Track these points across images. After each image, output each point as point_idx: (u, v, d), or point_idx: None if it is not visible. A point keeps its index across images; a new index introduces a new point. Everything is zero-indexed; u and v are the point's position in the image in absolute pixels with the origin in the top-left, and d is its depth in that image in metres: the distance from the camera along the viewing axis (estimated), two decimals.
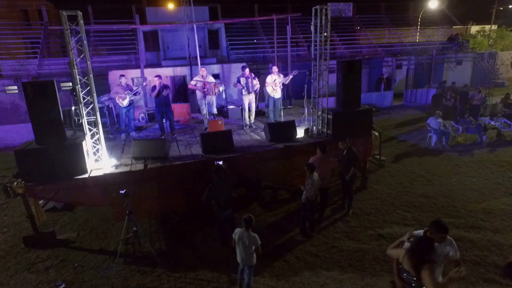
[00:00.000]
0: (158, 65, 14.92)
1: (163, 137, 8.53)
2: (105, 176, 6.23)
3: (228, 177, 5.87)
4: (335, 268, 5.40)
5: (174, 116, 9.18)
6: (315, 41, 7.69)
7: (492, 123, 11.64)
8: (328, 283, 5.07)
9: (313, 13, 7.41)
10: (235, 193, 7.33)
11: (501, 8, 29.90)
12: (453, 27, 26.01)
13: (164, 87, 8.53)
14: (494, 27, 28.39)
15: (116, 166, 6.49)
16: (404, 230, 6.29)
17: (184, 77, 13.91)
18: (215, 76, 12.97)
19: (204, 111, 9.10)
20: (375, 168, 9.35)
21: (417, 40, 22.86)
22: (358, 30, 22.01)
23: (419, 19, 23.97)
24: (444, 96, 14.13)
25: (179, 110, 10.16)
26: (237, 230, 4.60)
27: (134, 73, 13.27)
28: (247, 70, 8.91)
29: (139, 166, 6.53)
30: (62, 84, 13.80)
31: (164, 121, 8.89)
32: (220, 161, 6.46)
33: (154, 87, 8.47)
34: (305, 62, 16.17)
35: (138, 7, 17.30)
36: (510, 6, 30.30)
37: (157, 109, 8.70)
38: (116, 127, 9.53)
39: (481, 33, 27.32)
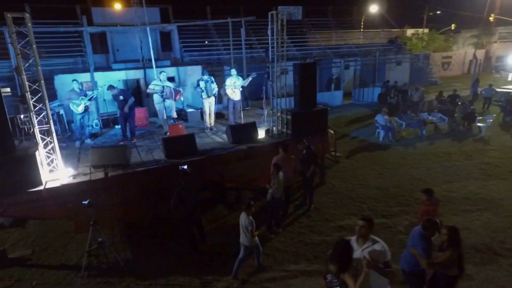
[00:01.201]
0: (108, 68, 14.26)
1: (121, 142, 8.26)
2: (63, 187, 5.92)
3: (194, 180, 5.91)
4: (302, 261, 5.69)
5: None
6: (272, 45, 7.98)
7: (430, 118, 12.90)
8: (297, 276, 5.34)
9: (269, 18, 7.68)
10: (200, 196, 7.34)
11: (431, 14, 33.10)
12: (392, 30, 28.21)
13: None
14: (426, 30, 31.29)
15: (74, 176, 6.19)
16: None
17: (137, 81, 13.45)
18: (170, 79, 12.72)
19: (163, 115, 8.96)
20: (331, 164, 9.90)
21: (362, 42, 24.45)
22: (307, 32, 22.95)
23: (362, 22, 25.66)
24: (389, 94, 15.32)
25: (137, 115, 9.81)
26: (242, 214, 5.15)
27: (83, 77, 12.55)
28: (206, 74, 8.95)
29: (99, 174, 6.30)
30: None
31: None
32: (184, 165, 6.46)
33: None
34: (260, 64, 16.54)
35: (83, 7, 16.35)
36: (438, 12, 33.73)
37: (121, 114, 8.42)
38: (68, 135, 9.01)
39: (416, 35, 29.96)
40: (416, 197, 7.67)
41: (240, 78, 9.37)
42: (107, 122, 10.43)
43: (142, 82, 13.24)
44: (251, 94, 13.73)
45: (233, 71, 9.32)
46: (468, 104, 13.21)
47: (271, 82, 8.49)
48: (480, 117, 12.41)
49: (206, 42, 18.86)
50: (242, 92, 10.32)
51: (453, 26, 34.39)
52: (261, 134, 8.45)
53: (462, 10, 32.13)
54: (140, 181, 6.51)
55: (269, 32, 7.81)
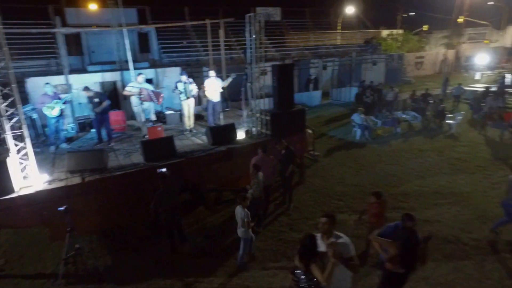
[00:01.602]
0: (84, 70, 13.92)
1: (98, 146, 8.13)
2: (37, 194, 5.79)
3: (174, 183, 5.92)
4: (282, 259, 5.81)
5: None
6: (251, 46, 8.07)
7: (404, 116, 13.36)
8: (277, 274, 5.45)
9: (247, 20, 7.77)
10: (180, 198, 7.34)
11: (405, 15, 34.28)
12: (368, 31, 28.96)
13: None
14: (400, 31, 32.32)
15: (49, 182, 6.06)
16: (339, 218, 7.02)
17: (114, 83, 13.21)
18: (149, 81, 12.58)
19: (141, 118, 8.88)
20: (310, 163, 10.09)
21: (339, 43, 24.97)
22: (286, 33, 23.22)
23: (339, 24, 26.21)
24: (365, 94, 15.73)
25: (114, 118, 9.70)
26: (237, 207, 5.37)
27: (57, 79, 12.19)
28: (184, 75, 8.94)
29: (76, 179, 6.19)
30: None
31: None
32: (163, 168, 6.44)
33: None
34: (239, 65, 16.59)
35: (56, 8, 15.88)
36: (411, 14, 34.99)
37: (96, 118, 8.27)
38: (42, 140, 8.77)
39: (391, 36, 30.89)
40: (391, 193, 7.99)
41: (219, 80, 9.40)
42: (83, 125, 10.20)
43: (119, 84, 13.01)
44: (230, 95, 13.78)
45: (212, 73, 9.35)
46: (439, 102, 13.77)
47: (250, 83, 8.58)
48: (450, 115, 12.97)
49: (185, 43, 18.74)
50: (222, 93, 10.37)
51: (425, 27, 35.69)
52: (241, 135, 8.53)
53: (434, 12, 33.42)
54: (118, 185, 6.45)
55: (247, 34, 7.90)
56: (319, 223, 3.55)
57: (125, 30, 11.52)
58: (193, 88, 9.08)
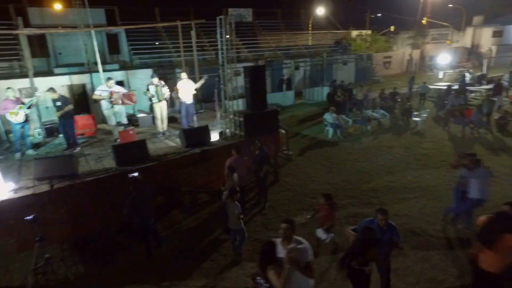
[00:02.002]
0: (50, 73, 13.40)
1: (67, 151, 7.88)
2: (2, 204, 5.54)
3: (147, 187, 5.85)
4: None
5: (78, 129, 8.54)
6: (222, 48, 8.11)
7: (373, 114, 13.86)
8: (253, 273, 5.52)
9: (217, 23, 7.80)
10: (154, 202, 7.26)
11: (373, 16, 35.54)
12: (338, 31, 29.72)
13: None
14: (369, 32, 33.46)
15: (15, 191, 5.81)
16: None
17: (83, 86, 12.82)
18: (119, 83, 12.30)
19: (112, 121, 8.68)
20: (284, 162, 10.26)
21: (310, 44, 25.46)
22: (258, 34, 23.39)
23: (310, 24, 26.72)
24: (336, 93, 16.16)
25: (83, 122, 9.44)
26: (227, 201, 5.64)
27: (21, 83, 11.68)
28: (156, 78, 8.83)
29: (44, 187, 5.99)
30: None
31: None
32: (135, 172, 6.35)
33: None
34: (212, 66, 16.55)
35: (17, 7, 15.14)
36: (378, 15, 36.32)
37: (60, 122, 8.02)
38: (6, 146, 8.38)
39: (360, 37, 31.89)
40: (363, 189, 8.29)
41: (192, 82, 9.36)
42: (51, 130, 9.83)
43: (88, 87, 12.65)
44: (204, 97, 13.74)
45: (184, 75, 9.29)
46: (406, 100, 14.39)
47: (222, 85, 8.62)
48: (417, 112, 13.59)
49: (157, 44, 18.44)
50: (195, 95, 10.33)
51: (392, 28, 37.13)
52: (215, 136, 8.55)
53: (399, 14, 34.82)
54: (90, 191, 6.29)
55: (218, 36, 7.92)
56: (279, 230, 3.53)
57: (92, 31, 11.21)
58: (165, 91, 8.99)
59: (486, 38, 32.64)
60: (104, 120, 10.03)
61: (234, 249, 5.96)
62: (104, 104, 8.67)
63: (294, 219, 3.89)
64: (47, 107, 10.71)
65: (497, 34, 32.03)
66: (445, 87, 16.51)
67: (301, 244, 3.48)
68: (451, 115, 12.81)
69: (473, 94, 17.68)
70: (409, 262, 5.54)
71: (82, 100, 13.05)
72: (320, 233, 5.44)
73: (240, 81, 9.20)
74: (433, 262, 5.59)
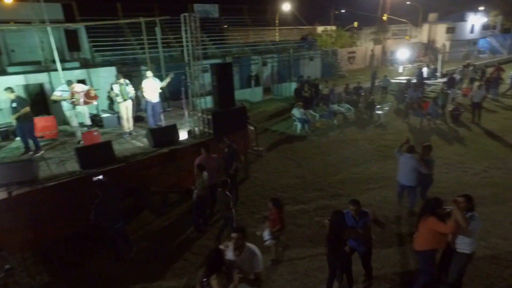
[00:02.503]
0: (3, 72, 12.55)
1: (25, 156, 7.48)
2: None
3: (113, 190, 5.72)
4: None
5: (38, 131, 8.12)
6: (187, 46, 8.02)
7: (339, 108, 14.30)
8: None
9: (182, 20, 7.69)
10: (123, 204, 7.10)
11: (337, 12, 36.46)
12: (304, 27, 30.21)
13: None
14: (334, 28, 34.33)
15: None
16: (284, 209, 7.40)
17: (41, 85, 12.13)
18: (81, 82, 11.77)
19: (75, 122, 8.34)
20: (254, 158, 10.38)
21: (277, 40, 25.70)
22: (225, 30, 23.27)
23: (276, 21, 26.96)
24: (303, 88, 16.48)
25: (43, 124, 8.96)
26: (218, 190, 6.02)
27: None
28: (120, 77, 8.56)
29: (1, 194, 5.67)
30: None
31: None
32: (100, 175, 6.18)
33: None
34: (179, 63, 16.28)
35: None
36: (342, 11, 37.32)
37: (17, 125, 7.57)
38: None
39: (325, 32, 32.62)
40: (330, 182, 8.59)
41: (157, 80, 9.17)
42: (6, 134, 9.25)
43: (47, 86, 11.97)
44: (171, 95, 13.50)
45: (149, 73, 9.08)
46: (369, 95, 14.98)
47: (189, 83, 8.53)
48: (379, 106, 14.20)
49: (121, 40, 17.79)
50: (162, 93, 10.14)
51: (355, 24, 38.31)
52: (184, 135, 8.47)
53: (362, 10, 35.98)
54: (52, 197, 6.03)
55: (183, 34, 7.82)
56: (231, 240, 3.50)
57: (49, 27, 10.63)
58: (130, 90, 8.75)
59: (440, 34, 34.59)
60: (65, 121, 9.60)
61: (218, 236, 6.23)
62: (65, 104, 8.31)
63: (257, 232, 4.01)
64: (1, 109, 10.07)
65: (450, 30, 34.05)
66: (404, 81, 17.34)
67: (253, 255, 3.46)
68: (410, 108, 13.52)
69: (430, 88, 18.73)
70: (373, 249, 5.84)
71: (40, 101, 12.33)
72: (265, 234, 5.38)
73: (208, 78, 9.13)
74: (387, 244, 5.95)
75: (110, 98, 11.25)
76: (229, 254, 3.48)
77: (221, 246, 3.57)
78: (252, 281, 3.36)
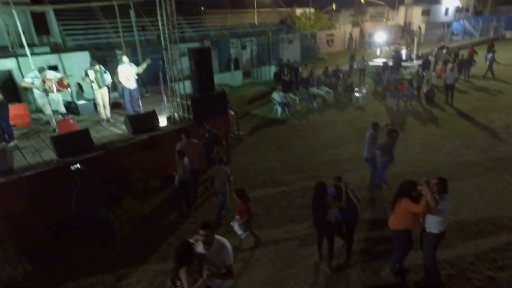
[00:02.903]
0: None
1: None
2: None
3: (93, 177, 5.65)
4: None
5: (10, 120, 7.81)
6: (164, 30, 7.83)
7: (318, 92, 14.45)
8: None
9: (157, 3, 7.48)
10: (104, 191, 7.04)
11: None
12: (282, 9, 29.89)
13: None
14: (313, 10, 34.16)
15: None
16: (265, 191, 7.55)
17: (9, 72, 11.56)
18: (53, 68, 11.30)
19: (48, 110, 8.06)
20: (235, 143, 10.43)
21: (256, 23, 25.36)
22: (203, 13, 22.70)
23: (255, 3, 26.52)
24: (283, 72, 16.49)
25: (14, 112, 8.59)
26: (214, 167, 6.34)
27: None
28: (95, 63, 8.26)
29: None
30: None
31: None
32: (77, 164, 6.08)
33: None
34: (155, 47, 15.86)
35: None
36: None
37: None
38: None
39: (304, 15, 32.43)
40: (310, 164, 8.78)
41: (134, 65, 8.95)
42: None
43: (16, 73, 11.43)
44: (149, 80, 13.21)
45: (125, 58, 8.84)
46: (347, 77, 15.18)
47: (167, 69, 8.37)
48: (357, 88, 14.44)
49: (94, 23, 17.04)
50: (139, 79, 9.91)
51: (334, 6, 38.23)
52: (163, 121, 8.38)
53: None
54: (30, 187, 5.90)
55: (158, 17, 7.62)
56: (199, 236, 3.45)
57: (13, 9, 10.06)
58: (107, 77, 8.48)
59: (416, 17, 35.13)
60: (38, 109, 9.28)
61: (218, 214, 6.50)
62: (37, 92, 7.99)
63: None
64: None
65: (425, 13, 34.64)
66: (381, 64, 17.63)
67: (223, 248, 3.46)
68: (387, 90, 13.83)
69: (407, 70, 19.14)
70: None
71: (9, 88, 11.76)
72: (236, 228, 5.37)
73: (186, 62, 8.97)
74: (371, 223, 6.24)
75: (79, 84, 10.86)
76: (200, 248, 3.45)
77: (191, 240, 3.51)
78: (223, 275, 3.38)
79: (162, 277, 5.14)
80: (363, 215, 6.34)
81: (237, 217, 5.51)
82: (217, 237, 3.51)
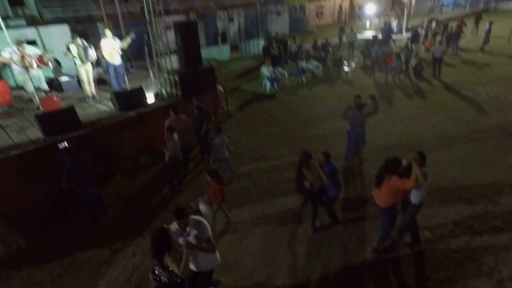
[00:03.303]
0: None
1: None
2: None
3: (81, 156, 5.61)
4: None
5: None
6: (147, 2, 7.54)
7: (307, 66, 14.33)
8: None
9: None
10: (94, 169, 7.01)
11: None
12: None
13: None
14: None
15: None
16: (255, 166, 7.65)
17: None
18: (31, 43, 10.80)
19: (30, 87, 7.81)
20: (225, 118, 10.39)
21: None
22: None
23: None
24: (271, 46, 16.20)
25: None
26: (216, 138, 6.65)
27: None
28: (78, 38, 7.94)
29: None
30: None
31: None
32: (63, 142, 6.00)
33: None
34: (139, 20, 15.26)
35: None
36: None
37: None
38: None
39: None
40: (300, 138, 8.86)
41: (117, 39, 8.64)
42: None
43: None
44: (134, 54, 12.82)
45: (108, 32, 8.51)
46: (336, 51, 15.04)
47: (152, 44, 8.13)
48: (346, 62, 14.36)
49: None
50: (124, 54, 9.61)
51: None
52: (151, 97, 8.24)
53: None
54: (17, 167, 5.83)
55: None
56: (175, 226, 3.47)
57: None
58: (91, 53, 8.17)
59: None
60: (18, 86, 8.97)
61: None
62: (16, 68, 7.67)
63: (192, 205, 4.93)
64: None
65: None
66: (371, 37, 17.45)
67: (198, 224, 3.49)
68: (376, 63, 13.81)
69: (396, 43, 19.02)
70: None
71: None
72: (202, 208, 5.31)
73: (172, 35, 8.68)
74: (355, 190, 6.45)
75: (56, 60, 10.45)
76: (175, 227, 3.48)
77: (166, 226, 3.42)
78: (201, 247, 3.43)
79: None
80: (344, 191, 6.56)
81: (205, 196, 5.36)
82: (191, 216, 3.53)
